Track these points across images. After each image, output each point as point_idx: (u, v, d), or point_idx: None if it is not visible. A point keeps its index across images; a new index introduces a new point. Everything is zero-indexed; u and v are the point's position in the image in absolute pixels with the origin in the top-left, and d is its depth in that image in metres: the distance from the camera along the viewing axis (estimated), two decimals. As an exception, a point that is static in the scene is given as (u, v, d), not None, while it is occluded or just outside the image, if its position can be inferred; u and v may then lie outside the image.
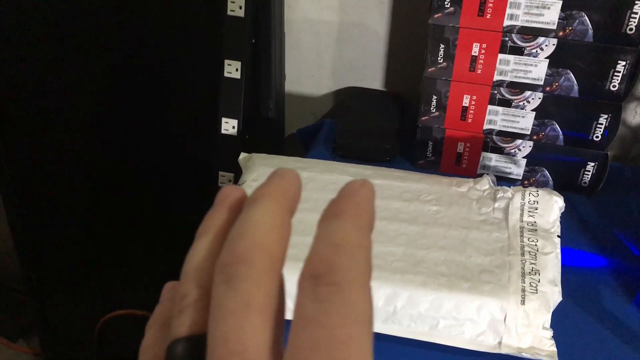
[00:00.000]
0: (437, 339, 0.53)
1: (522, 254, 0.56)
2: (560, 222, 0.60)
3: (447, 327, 0.53)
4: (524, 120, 0.71)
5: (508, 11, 0.65)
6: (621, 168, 0.80)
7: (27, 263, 1.14)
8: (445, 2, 0.66)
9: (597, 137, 0.70)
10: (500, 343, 0.52)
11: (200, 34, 0.77)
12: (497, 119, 0.71)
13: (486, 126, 0.72)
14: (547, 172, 0.74)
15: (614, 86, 0.66)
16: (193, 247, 0.21)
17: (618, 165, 0.80)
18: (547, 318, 0.52)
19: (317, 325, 0.17)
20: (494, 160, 0.74)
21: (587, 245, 0.67)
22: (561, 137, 0.71)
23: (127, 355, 1.06)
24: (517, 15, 0.65)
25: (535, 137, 0.71)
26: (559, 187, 0.74)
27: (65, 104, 0.92)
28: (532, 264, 0.55)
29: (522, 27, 0.65)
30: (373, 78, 0.88)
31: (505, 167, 0.74)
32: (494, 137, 0.73)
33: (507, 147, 0.73)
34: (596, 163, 0.71)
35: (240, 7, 0.71)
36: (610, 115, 0.68)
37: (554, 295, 0.53)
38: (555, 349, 0.51)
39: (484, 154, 0.75)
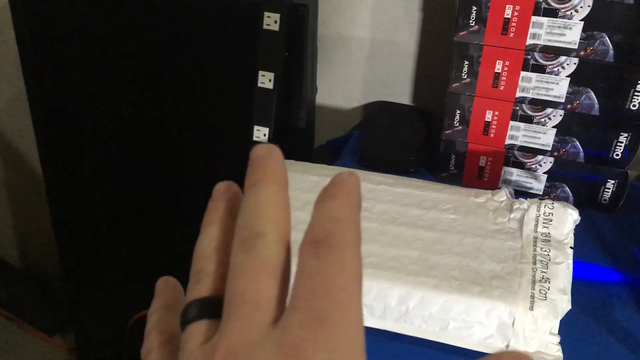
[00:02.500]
0: (446, 339, 0.55)
1: (534, 263, 0.58)
2: (578, 237, 0.61)
3: (457, 328, 0.55)
4: (545, 137, 0.73)
5: (531, 30, 0.67)
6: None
7: (66, 262, 1.20)
8: (470, 21, 0.69)
9: (617, 155, 0.71)
10: (507, 346, 0.54)
11: (237, 46, 0.82)
12: (519, 134, 0.74)
13: (508, 141, 0.75)
14: (567, 188, 0.75)
15: (634, 105, 0.67)
16: (202, 235, 0.25)
17: (641, 186, 0.81)
18: (555, 324, 0.54)
19: (317, 275, 0.20)
20: (515, 174, 0.76)
21: (603, 261, 0.68)
22: (582, 154, 0.72)
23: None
24: (540, 34, 0.67)
25: (556, 154, 0.73)
26: (580, 204, 0.75)
27: (107, 111, 0.98)
28: (543, 272, 0.57)
29: (544, 46, 0.67)
30: (402, 93, 0.91)
31: (526, 182, 0.76)
32: (516, 152, 0.75)
33: (528, 162, 0.75)
34: (616, 181, 0.73)
35: (276, 22, 0.75)
36: (630, 134, 0.69)
37: (563, 303, 0.55)
38: (562, 355, 0.53)
39: (505, 168, 0.77)
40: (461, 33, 0.70)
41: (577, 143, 0.72)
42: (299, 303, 0.20)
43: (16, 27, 0.96)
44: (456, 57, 0.71)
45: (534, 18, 0.66)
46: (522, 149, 0.74)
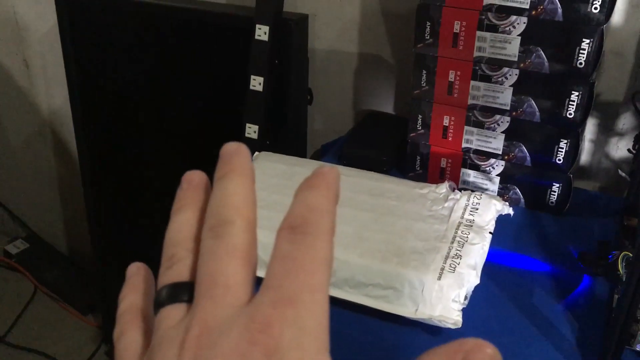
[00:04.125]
0: (367, 302, 0.64)
1: (452, 242, 0.66)
2: (522, 234, 0.69)
3: (375, 293, 0.63)
4: (496, 141, 0.80)
5: (477, 44, 0.76)
6: (601, 197, 0.86)
7: (98, 248, 1.35)
8: (426, 35, 0.78)
9: (559, 160, 0.77)
10: (416, 310, 0.62)
11: (231, 53, 0.94)
12: (473, 138, 0.82)
13: (464, 145, 0.82)
14: (518, 190, 0.82)
15: (570, 114, 0.74)
16: (172, 222, 0.26)
17: (599, 194, 0.87)
18: (458, 293, 0.61)
19: (290, 259, 0.22)
20: (472, 176, 0.84)
21: (539, 254, 0.75)
22: (529, 158, 0.79)
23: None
24: (485, 47, 0.75)
25: (506, 157, 0.81)
26: (530, 205, 0.82)
27: (132, 112, 1.13)
28: (458, 250, 0.65)
29: (489, 58, 0.76)
30: (387, 102, 1.01)
31: (482, 183, 0.84)
32: (472, 155, 0.83)
33: (482, 164, 0.83)
34: (561, 184, 0.79)
35: (265, 33, 0.87)
36: (569, 140, 0.76)
37: (471, 277, 0.62)
38: (460, 319, 0.60)
39: (463, 170, 0.84)
40: (418, 45, 0.79)
41: (524, 148, 0.79)
42: (271, 283, 0.22)
43: (63, 41, 1.13)
44: (415, 66, 0.81)
45: (478, 33, 0.75)
46: (477, 152, 0.82)
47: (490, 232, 0.68)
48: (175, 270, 0.24)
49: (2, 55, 1.42)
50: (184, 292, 0.23)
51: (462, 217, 0.69)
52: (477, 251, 0.65)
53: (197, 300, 0.22)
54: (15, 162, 1.61)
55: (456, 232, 0.67)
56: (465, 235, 0.67)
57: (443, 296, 0.61)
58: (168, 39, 1.04)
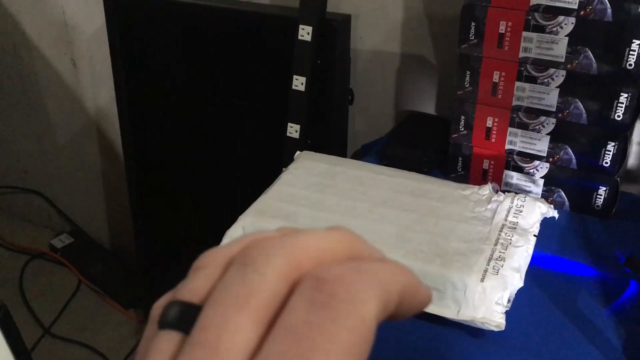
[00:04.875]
0: (408, 302, 0.64)
1: (495, 244, 0.65)
2: (567, 238, 0.68)
3: (417, 293, 0.63)
4: (540, 143, 0.79)
5: (522, 44, 0.75)
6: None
7: (141, 245, 1.38)
8: (470, 35, 0.78)
9: (606, 163, 0.76)
10: (458, 312, 0.62)
11: (275, 53, 0.95)
12: (517, 140, 0.81)
13: (507, 146, 0.82)
14: (563, 193, 0.81)
15: (618, 116, 0.73)
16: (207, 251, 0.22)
17: (647, 198, 0.85)
18: (502, 295, 0.61)
19: (298, 334, 0.17)
20: (515, 178, 0.83)
21: (585, 259, 0.73)
22: (574, 161, 0.78)
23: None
24: (531, 48, 0.75)
25: (551, 160, 0.79)
26: (575, 208, 0.81)
27: (176, 111, 1.15)
28: (501, 252, 0.64)
29: (535, 58, 0.75)
30: (428, 103, 1.01)
31: (526, 185, 0.83)
32: (515, 156, 0.82)
33: (526, 167, 0.82)
34: (607, 188, 0.78)
35: (308, 33, 0.88)
36: (617, 143, 0.74)
37: (514, 279, 0.62)
38: (504, 322, 0.60)
39: (506, 172, 0.83)
40: (463, 46, 0.79)
41: (570, 150, 0.78)
42: None
43: (110, 41, 1.16)
44: (459, 67, 0.80)
45: (524, 33, 0.74)
46: (521, 154, 0.81)
47: (534, 235, 0.67)
48: (193, 284, 0.20)
49: (52, 55, 1.47)
50: (191, 319, 0.19)
51: (505, 219, 0.69)
52: (521, 254, 0.64)
53: (180, 355, 0.18)
54: (62, 159, 1.66)
55: (500, 234, 0.67)
56: (509, 238, 0.66)
57: (486, 298, 0.61)
58: (213, 39, 1.05)
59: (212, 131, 1.14)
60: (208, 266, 0.20)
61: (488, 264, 0.63)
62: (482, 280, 0.61)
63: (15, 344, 0.58)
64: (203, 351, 0.17)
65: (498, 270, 0.62)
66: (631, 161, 0.86)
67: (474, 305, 0.61)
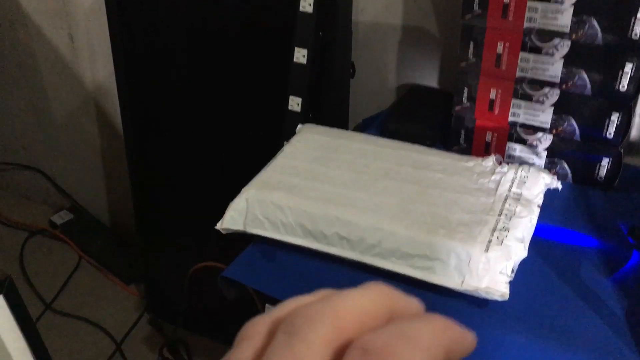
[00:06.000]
0: (412, 273, 0.64)
1: (499, 215, 0.65)
2: (570, 209, 0.68)
3: (420, 263, 0.63)
4: (544, 115, 0.79)
5: (527, 14, 0.74)
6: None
7: (141, 222, 1.38)
8: (474, 5, 0.77)
9: (610, 134, 0.76)
10: (462, 282, 0.62)
11: (276, 26, 0.94)
12: (520, 112, 0.80)
13: (511, 118, 0.81)
14: (566, 165, 0.81)
15: (623, 86, 0.72)
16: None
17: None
18: (506, 265, 0.61)
19: None
20: (518, 150, 0.83)
21: (587, 230, 0.73)
22: (577, 132, 0.78)
23: (211, 301, 1.26)
24: (535, 18, 0.74)
25: (554, 131, 0.79)
26: (578, 180, 0.81)
27: (175, 91, 1.14)
28: (505, 223, 0.64)
29: (540, 29, 0.74)
30: (430, 76, 1.00)
31: (528, 157, 0.83)
32: (518, 128, 0.81)
33: (529, 138, 0.81)
34: (610, 159, 0.77)
35: (310, 5, 0.87)
36: (621, 113, 0.74)
37: (518, 250, 0.62)
38: (508, 291, 0.60)
39: (509, 144, 0.83)
40: (466, 16, 0.78)
41: (573, 121, 0.77)
42: None
43: (109, 15, 1.14)
44: (462, 38, 0.79)
45: (529, 3, 0.73)
46: (524, 126, 0.81)
47: (538, 206, 0.67)
48: (239, 356, 0.20)
49: (49, 30, 1.45)
50: None
51: (509, 190, 0.69)
52: (525, 224, 0.64)
53: None
54: (60, 135, 1.65)
55: (504, 205, 0.67)
56: (513, 209, 0.66)
57: (490, 268, 0.61)
58: (213, 13, 1.04)
59: (212, 107, 1.13)
60: (253, 337, 0.20)
61: (492, 235, 0.63)
62: (486, 250, 0.62)
63: (20, 314, 0.58)
64: None
65: (502, 240, 0.62)
66: (634, 133, 0.86)
67: (478, 275, 0.61)
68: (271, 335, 0.20)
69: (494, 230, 0.64)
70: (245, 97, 1.07)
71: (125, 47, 1.17)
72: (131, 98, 1.22)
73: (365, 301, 0.20)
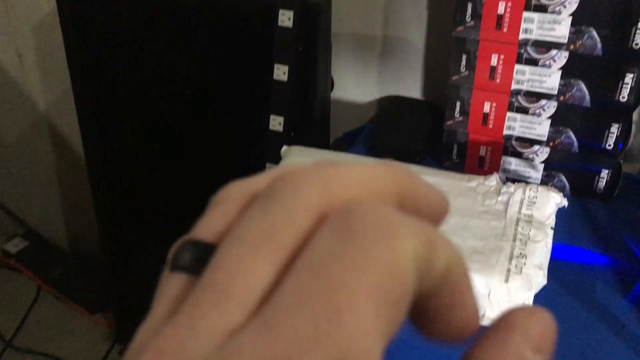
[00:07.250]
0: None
1: (514, 240, 0.62)
2: (572, 224, 0.65)
3: (437, 298, 0.60)
4: (541, 127, 0.76)
5: (523, 25, 0.71)
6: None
7: (106, 245, 1.30)
8: (467, 17, 0.73)
9: (609, 145, 0.74)
10: (483, 316, 0.58)
11: (254, 42, 0.89)
12: (516, 125, 0.78)
13: (506, 132, 0.79)
14: (563, 177, 0.78)
15: (623, 97, 0.70)
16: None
17: (643, 178, 0.84)
18: (528, 296, 0.58)
19: (319, 273, 0.14)
20: (513, 164, 0.80)
21: (593, 246, 0.71)
22: (576, 144, 0.76)
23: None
24: (531, 29, 0.71)
25: (551, 144, 0.77)
26: (576, 193, 0.79)
27: (142, 102, 1.07)
28: (521, 249, 0.61)
29: (536, 40, 0.71)
30: (413, 88, 0.96)
31: (524, 171, 0.80)
32: (514, 142, 0.79)
33: (525, 152, 0.79)
34: (610, 171, 0.76)
35: (289, 19, 0.82)
36: (621, 125, 0.72)
37: (538, 277, 0.59)
38: (532, 324, 0.57)
39: (504, 158, 0.81)
40: (458, 28, 0.74)
41: (571, 134, 0.75)
42: (277, 311, 0.13)
43: (64, 29, 1.06)
44: (455, 51, 0.76)
45: (525, 14, 0.70)
46: (520, 139, 0.78)
47: (551, 228, 0.64)
48: (209, 221, 0.17)
49: (-7, 48, 1.34)
50: (202, 260, 0.16)
51: (519, 212, 0.66)
52: (541, 249, 0.62)
53: (181, 309, 0.15)
54: (10, 158, 1.54)
55: (516, 229, 0.64)
56: (527, 232, 0.63)
57: (511, 299, 0.58)
58: (183, 24, 0.97)
59: (183, 124, 1.06)
60: (227, 201, 0.17)
61: (510, 263, 0.60)
62: (507, 280, 0.58)
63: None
64: (211, 294, 0.14)
65: (521, 268, 0.59)
66: (630, 141, 0.85)
67: (500, 308, 0.58)
68: (250, 201, 0.17)
69: (510, 257, 0.61)
70: (220, 117, 1.01)
71: (83, 62, 1.09)
72: (92, 116, 1.14)
73: (370, 174, 0.16)
